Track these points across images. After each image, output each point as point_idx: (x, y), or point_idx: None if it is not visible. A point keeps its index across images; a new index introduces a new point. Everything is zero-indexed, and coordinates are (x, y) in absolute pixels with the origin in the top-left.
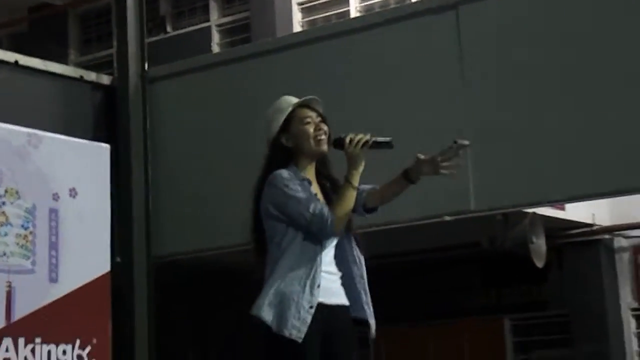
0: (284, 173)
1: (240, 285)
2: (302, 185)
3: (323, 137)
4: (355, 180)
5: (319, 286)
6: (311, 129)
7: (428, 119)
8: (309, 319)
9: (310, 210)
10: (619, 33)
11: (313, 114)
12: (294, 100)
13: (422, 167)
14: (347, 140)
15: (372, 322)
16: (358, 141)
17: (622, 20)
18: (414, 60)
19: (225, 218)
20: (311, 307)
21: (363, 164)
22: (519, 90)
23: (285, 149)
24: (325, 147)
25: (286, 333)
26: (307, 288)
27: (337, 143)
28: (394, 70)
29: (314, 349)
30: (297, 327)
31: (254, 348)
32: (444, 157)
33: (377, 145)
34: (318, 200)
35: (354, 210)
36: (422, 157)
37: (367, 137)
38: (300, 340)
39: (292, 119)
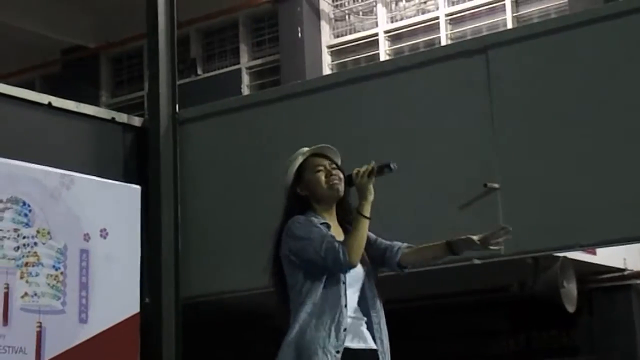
0: (300, 218)
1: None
2: (317, 227)
3: (336, 182)
4: (366, 211)
5: (345, 329)
6: (323, 176)
7: (458, 163)
8: None
9: (323, 245)
10: None
11: (326, 162)
12: (307, 149)
13: (472, 245)
14: (354, 173)
15: None
16: (363, 172)
17: None
18: (444, 104)
19: (254, 260)
20: (337, 352)
21: (372, 193)
22: (550, 135)
23: (300, 198)
24: (339, 189)
25: None
26: (333, 332)
27: (348, 180)
28: (424, 113)
29: None
30: None
31: None
32: (494, 237)
33: (380, 170)
34: (331, 235)
35: (387, 265)
36: (475, 238)
37: (371, 164)
38: None
39: (305, 168)
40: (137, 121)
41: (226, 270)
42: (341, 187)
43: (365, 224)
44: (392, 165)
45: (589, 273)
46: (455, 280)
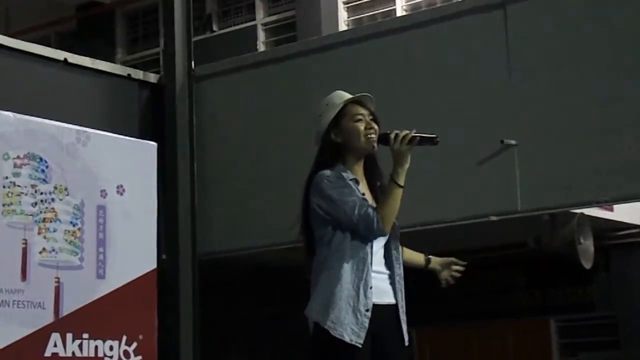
0: (330, 176)
1: (285, 284)
2: (348, 186)
3: (374, 135)
4: (401, 179)
5: (371, 287)
6: (362, 127)
7: (475, 118)
8: (367, 323)
9: (356, 212)
10: None
11: (365, 112)
12: (347, 95)
13: (442, 270)
14: (392, 136)
15: (404, 327)
16: (404, 137)
17: None
18: (461, 59)
19: (271, 217)
20: (367, 310)
21: (409, 161)
22: (568, 90)
23: (334, 145)
24: (375, 145)
25: (347, 338)
26: (362, 291)
27: (383, 139)
28: (441, 69)
29: (367, 351)
30: (357, 333)
31: (299, 347)
32: (456, 268)
33: (422, 141)
34: (364, 200)
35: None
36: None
37: (413, 132)
38: (360, 346)
39: (344, 115)
40: (152, 78)
41: (243, 227)
42: (375, 143)
43: (399, 192)
44: (435, 140)
45: (606, 230)
46: (471, 237)
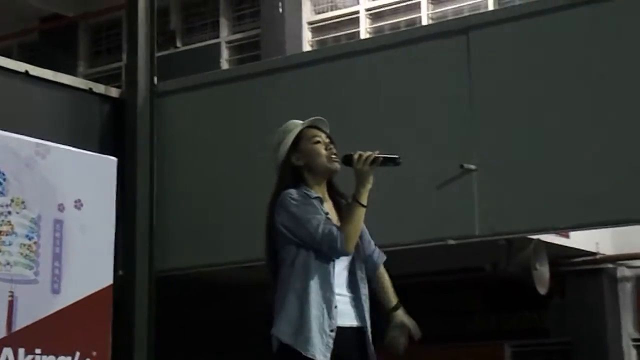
0: (294, 194)
1: (244, 302)
2: (312, 204)
3: (334, 156)
4: (364, 199)
5: (336, 307)
6: (322, 149)
7: (436, 143)
8: (331, 343)
9: (320, 230)
10: (630, 64)
11: (322, 135)
12: (300, 122)
13: (399, 329)
14: (356, 156)
15: (371, 348)
16: (367, 158)
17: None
18: (424, 83)
19: (229, 235)
20: (332, 330)
21: (371, 181)
22: (527, 118)
23: (295, 169)
24: (337, 165)
25: (315, 357)
26: (326, 312)
27: (346, 160)
28: (403, 92)
29: None
30: (323, 352)
31: None
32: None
33: (384, 161)
34: (327, 219)
35: (369, 264)
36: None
37: (375, 153)
38: None
39: (302, 139)
40: (114, 92)
41: (202, 244)
42: (337, 163)
43: (362, 212)
44: (397, 160)
45: (561, 256)
46: (430, 260)
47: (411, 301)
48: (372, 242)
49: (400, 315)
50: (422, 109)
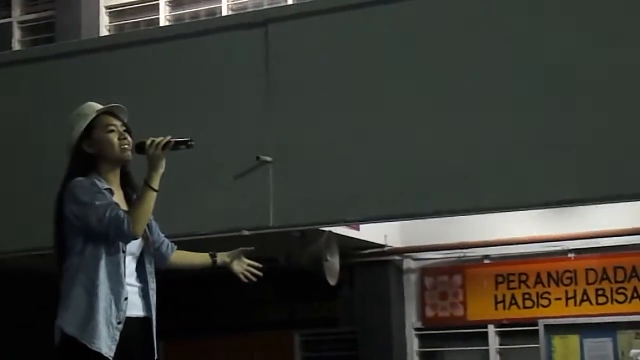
0: (83, 182)
1: (35, 290)
2: (101, 192)
3: (127, 146)
4: (155, 183)
5: (126, 299)
6: (115, 138)
7: (233, 133)
8: (118, 335)
9: (107, 214)
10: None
11: (118, 123)
12: (98, 106)
13: (232, 262)
14: (148, 142)
15: (155, 340)
16: (158, 143)
17: (451, 38)
18: (222, 73)
19: (20, 221)
20: (119, 322)
21: (163, 166)
22: (322, 112)
23: (86, 156)
24: (129, 155)
25: (104, 351)
26: (114, 304)
27: (139, 148)
28: (200, 82)
29: None
30: (109, 345)
31: (48, 357)
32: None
33: (177, 144)
34: (116, 204)
35: (157, 258)
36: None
37: (168, 138)
38: (111, 358)
39: (96, 126)
40: None
41: None
42: (130, 153)
43: (152, 196)
44: (190, 143)
45: (352, 248)
46: (224, 250)
47: (205, 291)
48: (162, 235)
49: (223, 254)
50: (219, 99)
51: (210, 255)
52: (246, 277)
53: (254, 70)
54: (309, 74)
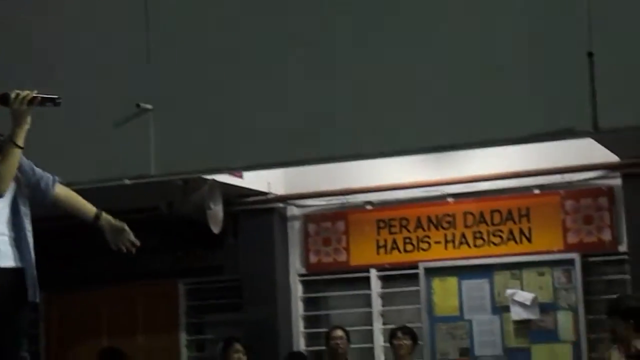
0: None
1: None
2: None
3: None
4: (20, 139)
5: None
6: None
7: (112, 82)
8: None
9: None
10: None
11: None
12: None
13: (112, 231)
14: (13, 95)
15: (31, 291)
16: (24, 97)
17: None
18: (104, 21)
19: None
20: None
21: (29, 122)
22: (204, 60)
23: None
24: None
25: None
26: None
27: (2, 99)
28: (82, 28)
29: None
30: None
31: None
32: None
33: (43, 101)
34: None
35: (36, 196)
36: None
37: (34, 93)
38: None
39: None
40: None
41: None
42: None
43: (17, 153)
44: (57, 100)
45: (235, 196)
46: (105, 200)
47: (86, 241)
48: (39, 171)
49: (108, 218)
50: (100, 46)
51: (96, 213)
52: (116, 246)
53: (134, 16)
54: (192, 21)
